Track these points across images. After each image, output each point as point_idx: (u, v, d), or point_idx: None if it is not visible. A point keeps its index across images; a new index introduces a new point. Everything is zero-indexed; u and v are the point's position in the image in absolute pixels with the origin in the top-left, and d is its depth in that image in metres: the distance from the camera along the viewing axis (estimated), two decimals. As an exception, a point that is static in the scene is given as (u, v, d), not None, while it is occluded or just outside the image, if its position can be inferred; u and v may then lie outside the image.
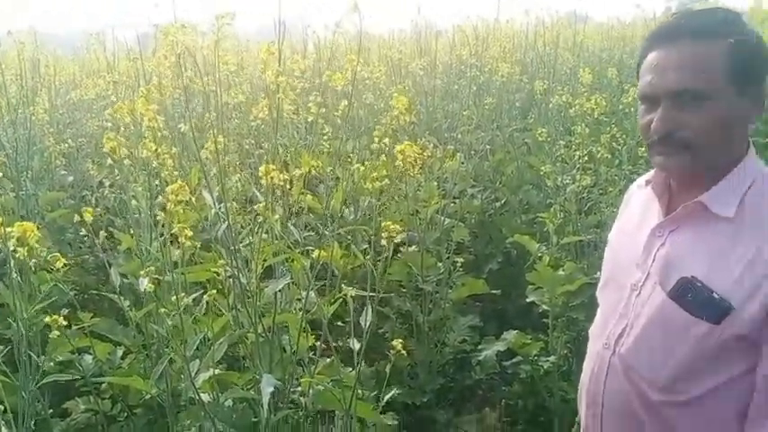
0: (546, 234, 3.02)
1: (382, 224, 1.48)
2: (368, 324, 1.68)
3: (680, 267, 1.26)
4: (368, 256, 2.12)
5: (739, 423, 1.22)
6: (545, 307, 2.80)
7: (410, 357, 3.51)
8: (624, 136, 3.21)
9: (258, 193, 1.68)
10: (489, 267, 4.20)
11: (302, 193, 1.79)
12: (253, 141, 2.77)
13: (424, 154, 3.39)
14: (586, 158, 2.98)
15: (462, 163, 3.98)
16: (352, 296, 1.73)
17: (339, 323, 3.82)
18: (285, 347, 2.03)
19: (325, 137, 3.29)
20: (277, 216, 1.66)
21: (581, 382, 1.50)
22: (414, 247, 3.42)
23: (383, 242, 1.47)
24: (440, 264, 3.35)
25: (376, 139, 1.68)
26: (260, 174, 1.57)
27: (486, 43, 4.43)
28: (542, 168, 3.14)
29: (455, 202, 3.95)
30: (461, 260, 3.26)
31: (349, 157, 3.26)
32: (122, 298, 2.06)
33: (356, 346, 1.76)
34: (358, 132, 3.49)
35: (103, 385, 2.47)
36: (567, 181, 3.02)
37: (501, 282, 3.97)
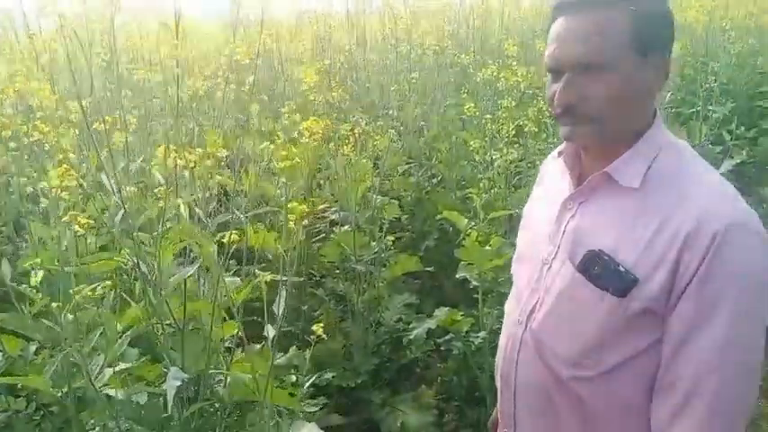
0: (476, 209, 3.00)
1: (288, 205, 1.40)
2: (281, 311, 1.61)
3: (588, 240, 1.25)
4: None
5: (647, 397, 1.21)
6: (475, 283, 2.78)
7: (345, 339, 3.48)
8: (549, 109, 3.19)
9: (159, 176, 1.58)
10: (426, 244, 4.19)
11: (211, 175, 1.69)
12: (170, 122, 2.63)
13: (342, 129, 3.34)
14: (514, 132, 2.97)
15: (395, 140, 3.93)
16: (266, 281, 1.66)
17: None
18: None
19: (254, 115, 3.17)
20: (180, 200, 1.57)
21: (495, 361, 1.48)
22: (346, 227, 3.36)
23: (291, 225, 1.39)
24: (373, 243, 3.31)
25: (285, 116, 1.59)
26: (158, 155, 1.47)
27: (416, 17, 4.36)
28: (471, 143, 3.11)
29: (389, 180, 3.90)
30: (393, 239, 3.22)
31: (277, 135, 3.16)
32: (26, 291, 1.92)
33: (270, 333, 1.68)
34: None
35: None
36: (496, 155, 3.01)
37: (438, 258, 3.96)
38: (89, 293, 1.42)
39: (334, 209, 3.53)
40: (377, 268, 3.29)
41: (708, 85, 3.80)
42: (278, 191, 3.51)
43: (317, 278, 3.68)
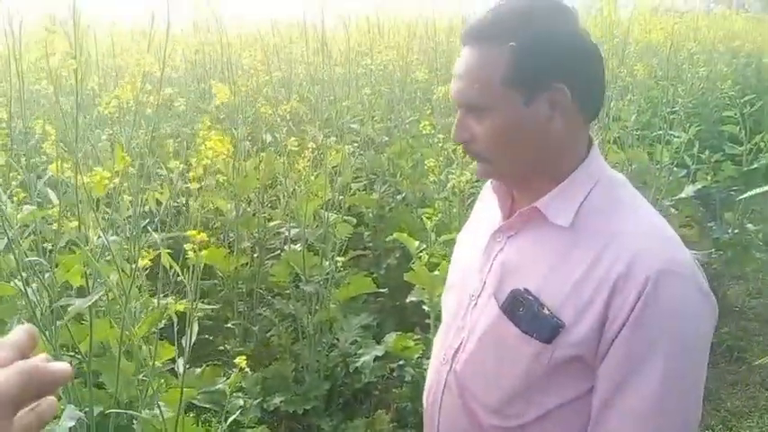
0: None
1: (188, 232, 1.27)
2: (190, 341, 1.47)
3: (514, 277, 1.15)
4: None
5: None
6: (426, 308, 2.67)
7: (296, 361, 3.35)
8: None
9: (52, 194, 1.44)
10: (387, 263, 4.08)
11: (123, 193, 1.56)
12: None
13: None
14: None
15: (354, 155, 3.82)
16: (176, 311, 1.52)
17: (229, 325, 3.63)
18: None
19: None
20: (74, 223, 1.43)
21: (423, 400, 1.36)
22: (298, 245, 3.24)
23: (189, 254, 1.27)
24: (325, 263, 3.18)
25: (200, 132, 1.46)
26: (51, 171, 1.34)
27: (382, 30, 4.27)
28: (426, 162, 3.01)
29: (347, 196, 3.79)
30: (343, 259, 3.10)
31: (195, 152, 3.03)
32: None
33: (180, 367, 1.54)
34: (236, 123, 3.25)
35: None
36: (451, 175, 2.90)
37: (399, 277, 3.85)
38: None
39: (291, 225, 3.42)
40: (328, 289, 3.16)
41: (672, 109, 3.75)
42: (228, 206, 3.40)
43: (269, 297, 3.56)
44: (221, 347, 3.48)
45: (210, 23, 3.91)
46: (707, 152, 4.23)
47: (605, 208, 1.12)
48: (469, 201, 2.96)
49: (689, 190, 3.75)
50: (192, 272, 1.31)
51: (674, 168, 3.93)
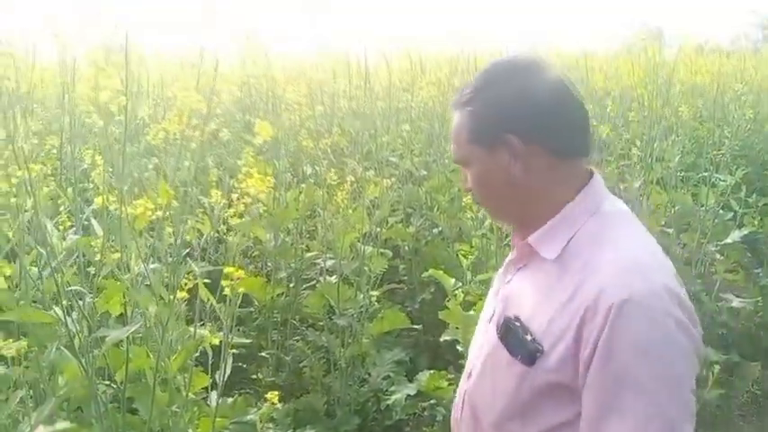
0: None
1: (225, 270, 1.29)
2: (224, 375, 1.48)
3: (512, 306, 1.26)
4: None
5: None
6: (459, 348, 2.63)
7: (328, 394, 3.33)
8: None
9: (96, 225, 1.47)
10: (422, 297, 4.05)
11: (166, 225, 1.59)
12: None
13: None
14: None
15: (393, 188, 3.83)
16: (211, 344, 1.53)
17: (263, 354, 3.64)
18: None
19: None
20: (116, 255, 1.46)
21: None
22: (334, 277, 3.25)
23: (227, 291, 1.28)
24: (360, 296, 3.18)
25: (242, 168, 1.49)
26: (96, 204, 1.38)
27: (422, 69, 4.32)
28: (465, 198, 2.99)
29: (384, 229, 3.80)
30: (377, 294, 3.09)
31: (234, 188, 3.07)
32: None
33: (213, 401, 1.55)
34: (278, 155, 3.30)
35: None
36: (489, 213, 2.88)
37: (434, 312, 3.82)
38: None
39: (328, 256, 3.43)
40: (361, 323, 3.15)
41: (717, 151, 3.68)
42: (267, 236, 3.44)
43: (303, 328, 3.56)
44: (254, 376, 3.49)
45: (257, 57, 4.02)
46: (754, 196, 4.11)
47: (594, 241, 1.18)
48: (507, 239, 2.94)
49: (735, 235, 3.64)
50: (229, 305, 1.32)
51: (720, 212, 3.83)
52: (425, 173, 4.46)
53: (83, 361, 1.45)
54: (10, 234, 1.40)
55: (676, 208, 3.73)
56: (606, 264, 1.12)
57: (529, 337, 1.15)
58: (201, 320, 1.83)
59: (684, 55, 3.61)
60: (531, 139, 1.20)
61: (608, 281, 1.09)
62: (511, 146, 1.20)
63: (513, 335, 1.19)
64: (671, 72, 3.64)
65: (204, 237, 1.80)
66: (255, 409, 2.64)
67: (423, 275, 3.16)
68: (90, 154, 1.77)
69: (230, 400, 2.63)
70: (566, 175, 1.23)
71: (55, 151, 2.51)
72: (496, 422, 1.23)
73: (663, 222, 3.73)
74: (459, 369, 3.02)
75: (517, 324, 1.19)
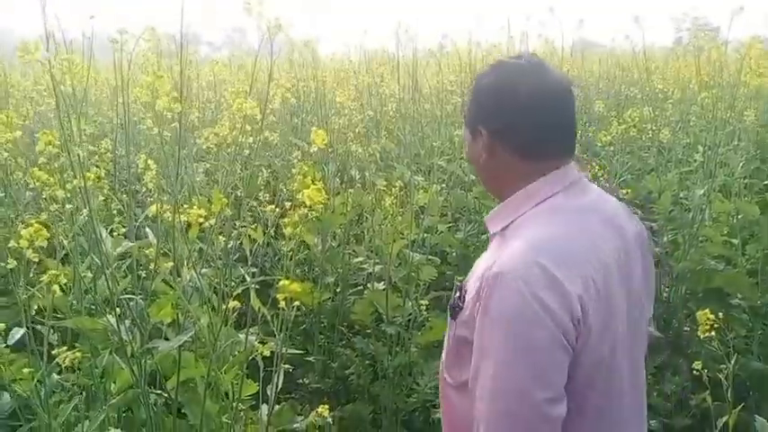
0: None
1: (280, 283, 1.24)
2: (276, 389, 1.44)
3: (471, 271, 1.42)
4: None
5: None
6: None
7: (374, 403, 3.28)
8: (604, 172, 2.97)
9: (150, 233, 1.45)
10: (470, 305, 3.97)
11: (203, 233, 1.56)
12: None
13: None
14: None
15: (441, 193, 3.76)
16: (263, 354, 1.49)
17: (309, 359, 3.61)
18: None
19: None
20: (169, 263, 1.43)
21: None
22: (381, 284, 3.19)
23: (281, 303, 1.23)
24: (408, 303, 3.11)
25: (297, 176, 1.44)
26: (150, 212, 1.35)
27: (473, 69, 4.21)
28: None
29: (431, 235, 3.73)
30: (426, 302, 3.01)
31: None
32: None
33: (264, 416, 1.51)
34: (327, 159, 3.27)
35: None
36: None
37: (482, 321, 3.73)
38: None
39: (375, 262, 3.38)
40: (410, 332, 3.08)
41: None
42: (314, 240, 3.41)
43: (350, 335, 3.52)
44: (300, 380, 3.47)
45: (306, 59, 4.01)
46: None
47: (524, 227, 1.32)
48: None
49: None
50: (283, 319, 1.28)
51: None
52: (474, 177, 4.36)
53: (134, 368, 1.43)
54: (65, 241, 1.40)
55: (740, 217, 3.54)
56: (511, 245, 1.28)
57: (457, 295, 1.35)
58: (253, 325, 1.79)
59: (750, 58, 3.44)
60: (495, 135, 1.36)
61: (502, 257, 1.26)
62: (483, 136, 1.38)
63: (453, 294, 1.39)
64: (737, 74, 3.46)
65: (256, 244, 1.77)
66: (302, 418, 2.61)
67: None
68: (143, 159, 1.75)
69: (277, 407, 2.61)
70: (529, 171, 1.36)
71: (109, 155, 2.52)
72: (446, 370, 1.43)
73: (725, 232, 3.56)
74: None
75: (458, 284, 1.38)
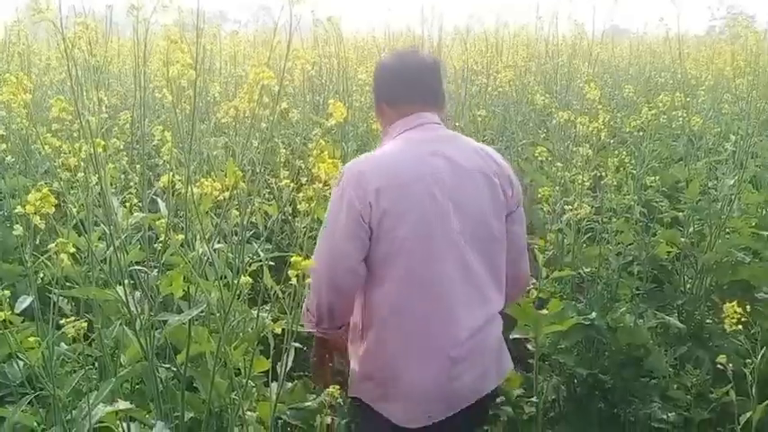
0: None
1: (292, 259, 1.21)
2: (286, 367, 1.41)
3: None
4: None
5: None
6: (530, 347, 2.49)
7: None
8: (632, 161, 2.89)
9: (161, 204, 1.42)
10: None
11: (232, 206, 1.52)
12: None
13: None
14: (590, 184, 2.67)
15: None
16: (274, 331, 1.46)
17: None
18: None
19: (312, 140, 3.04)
20: (180, 236, 1.40)
21: None
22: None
23: (293, 280, 1.20)
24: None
25: (313, 151, 1.40)
26: (161, 183, 1.32)
27: (499, 50, 4.12)
28: (541, 191, 2.83)
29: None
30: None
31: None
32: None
33: (273, 395, 1.48)
34: (347, 137, 3.22)
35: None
36: (567, 207, 2.71)
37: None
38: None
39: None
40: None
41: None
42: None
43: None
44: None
45: (330, 36, 3.94)
46: None
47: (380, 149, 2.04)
48: (587, 235, 2.76)
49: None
50: (294, 295, 1.25)
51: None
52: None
53: (142, 342, 1.41)
54: (75, 210, 1.37)
55: (770, 209, 3.43)
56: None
57: None
58: (266, 302, 1.76)
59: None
60: (378, 96, 2.07)
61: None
62: (376, 102, 2.10)
63: None
64: (773, 61, 3.34)
65: (271, 219, 1.73)
66: (314, 396, 2.59)
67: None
68: (160, 130, 1.72)
69: (289, 384, 2.59)
70: (393, 116, 2.01)
71: (128, 126, 2.50)
72: None
73: (754, 224, 3.45)
74: (527, 367, 2.90)
75: None
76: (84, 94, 1.75)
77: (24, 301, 1.40)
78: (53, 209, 1.20)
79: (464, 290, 1.88)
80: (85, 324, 1.35)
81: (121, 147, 2.33)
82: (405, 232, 1.82)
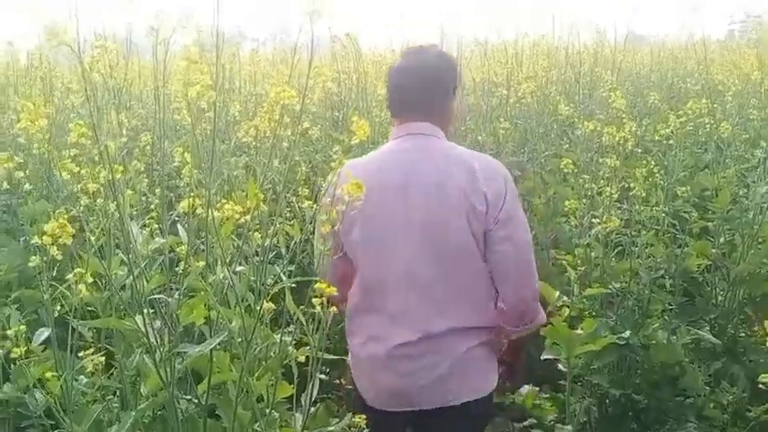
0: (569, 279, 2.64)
1: (315, 286, 1.16)
2: (310, 399, 1.36)
3: None
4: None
5: None
6: (562, 368, 2.41)
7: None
8: (662, 171, 2.81)
9: (182, 231, 1.39)
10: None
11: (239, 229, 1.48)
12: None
13: None
14: (617, 195, 2.59)
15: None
16: (296, 359, 1.41)
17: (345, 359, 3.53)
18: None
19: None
20: (201, 262, 1.36)
21: None
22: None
23: (317, 308, 1.15)
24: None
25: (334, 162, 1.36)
26: (181, 209, 1.29)
27: (519, 60, 4.07)
28: (566, 203, 2.76)
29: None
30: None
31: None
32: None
33: (298, 423, 1.43)
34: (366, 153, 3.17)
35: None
36: (595, 220, 2.64)
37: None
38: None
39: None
40: (452, 333, 2.96)
41: None
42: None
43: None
44: (337, 381, 3.40)
45: (348, 52, 3.92)
46: None
47: None
48: (616, 249, 2.68)
49: None
50: (318, 326, 1.20)
51: None
52: (519, 173, 4.22)
53: (161, 372, 1.37)
54: (92, 238, 1.34)
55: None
56: None
57: None
58: (288, 325, 1.72)
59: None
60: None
61: None
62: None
63: None
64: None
65: (294, 241, 1.69)
66: (337, 420, 2.53)
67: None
68: (180, 152, 1.68)
69: (312, 409, 2.54)
70: (394, 124, 2.09)
71: (148, 148, 2.48)
72: None
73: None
74: (558, 388, 2.81)
75: None
76: (105, 116, 1.73)
77: (42, 335, 1.37)
78: (71, 239, 1.17)
79: (416, 297, 1.96)
80: (103, 358, 1.31)
81: (142, 169, 2.32)
82: (356, 236, 1.96)
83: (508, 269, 1.98)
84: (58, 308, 1.48)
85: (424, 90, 2.01)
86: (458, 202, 1.91)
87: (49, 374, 1.32)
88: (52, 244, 1.15)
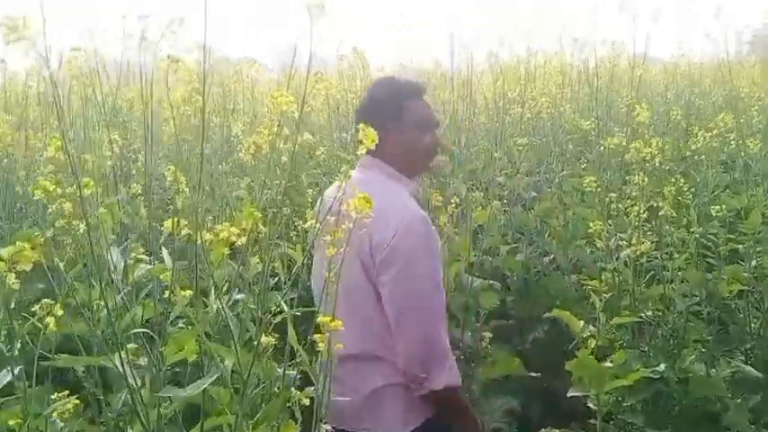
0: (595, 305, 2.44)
1: (319, 319, 0.99)
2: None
3: None
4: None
5: None
6: (591, 405, 2.20)
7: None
8: (693, 189, 2.63)
9: (166, 255, 1.22)
10: (534, 335, 3.61)
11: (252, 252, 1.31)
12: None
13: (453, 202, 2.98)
14: (645, 216, 2.41)
15: (499, 212, 3.45)
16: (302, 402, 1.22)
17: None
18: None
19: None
20: (188, 291, 1.19)
21: None
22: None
23: (320, 345, 0.97)
24: (467, 334, 2.80)
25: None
26: (166, 227, 1.12)
27: (532, 76, 3.93)
28: (591, 225, 2.57)
29: (491, 258, 3.42)
30: (490, 335, 2.70)
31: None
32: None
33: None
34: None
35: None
36: (623, 243, 2.45)
37: (547, 354, 3.37)
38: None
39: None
40: (470, 366, 2.76)
41: None
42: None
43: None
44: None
45: (356, 71, 3.80)
46: None
47: None
48: (648, 276, 2.48)
49: None
50: (322, 364, 1.02)
51: None
52: (535, 194, 4.05)
53: (143, 419, 1.18)
54: (61, 265, 1.17)
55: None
56: None
57: None
58: (292, 359, 1.53)
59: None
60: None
61: None
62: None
63: None
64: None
65: (296, 265, 1.52)
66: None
67: (541, 313, 2.75)
68: (172, 171, 1.52)
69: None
70: None
71: (141, 168, 2.33)
72: None
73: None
74: (587, 427, 2.60)
75: None
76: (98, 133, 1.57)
77: (5, 378, 1.19)
78: (30, 265, 1.00)
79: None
80: (77, 402, 1.13)
81: (140, 191, 2.17)
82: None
83: (389, 321, 2.04)
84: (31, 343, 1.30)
85: (357, 122, 2.02)
86: (356, 239, 1.91)
87: (13, 422, 1.14)
88: (8, 271, 0.99)
